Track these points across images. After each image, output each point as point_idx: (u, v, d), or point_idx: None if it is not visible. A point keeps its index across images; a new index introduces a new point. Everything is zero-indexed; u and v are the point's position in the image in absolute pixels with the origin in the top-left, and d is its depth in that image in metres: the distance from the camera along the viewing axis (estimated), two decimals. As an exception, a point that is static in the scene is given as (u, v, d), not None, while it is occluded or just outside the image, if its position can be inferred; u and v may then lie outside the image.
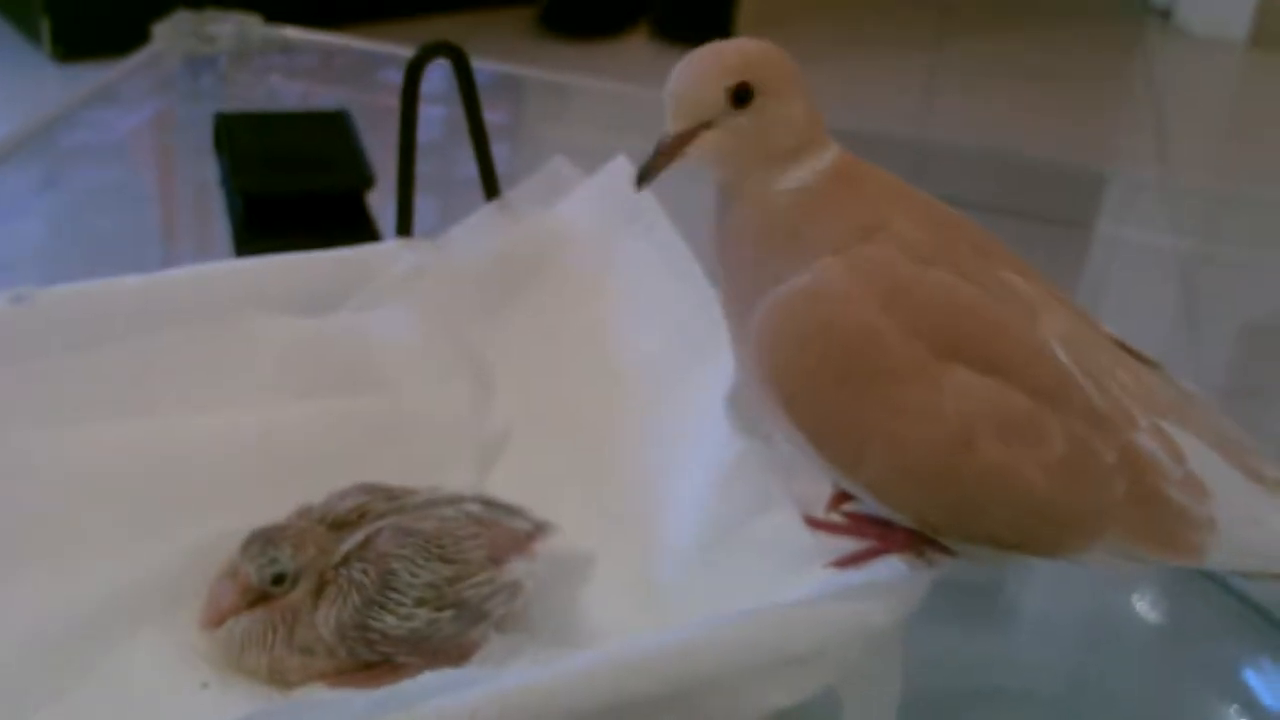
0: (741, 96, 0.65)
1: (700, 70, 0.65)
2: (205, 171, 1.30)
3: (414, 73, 0.90)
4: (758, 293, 0.66)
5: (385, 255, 0.92)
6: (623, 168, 0.93)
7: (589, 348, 0.89)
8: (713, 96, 0.65)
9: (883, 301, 0.63)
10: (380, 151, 1.21)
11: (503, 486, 0.86)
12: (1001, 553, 0.68)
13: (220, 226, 1.21)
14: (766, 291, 0.66)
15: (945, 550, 0.69)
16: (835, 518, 0.72)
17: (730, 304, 0.70)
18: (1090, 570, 0.93)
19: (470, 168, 0.97)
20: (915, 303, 0.64)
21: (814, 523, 0.71)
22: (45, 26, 2.16)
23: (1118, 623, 1.00)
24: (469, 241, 0.94)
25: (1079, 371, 0.66)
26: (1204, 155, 2.22)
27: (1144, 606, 1.01)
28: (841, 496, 0.73)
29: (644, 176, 0.67)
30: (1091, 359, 0.67)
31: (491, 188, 0.95)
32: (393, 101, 0.92)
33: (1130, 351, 0.70)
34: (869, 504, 0.69)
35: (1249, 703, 0.92)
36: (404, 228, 0.93)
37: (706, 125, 0.65)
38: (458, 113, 0.96)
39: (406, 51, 0.92)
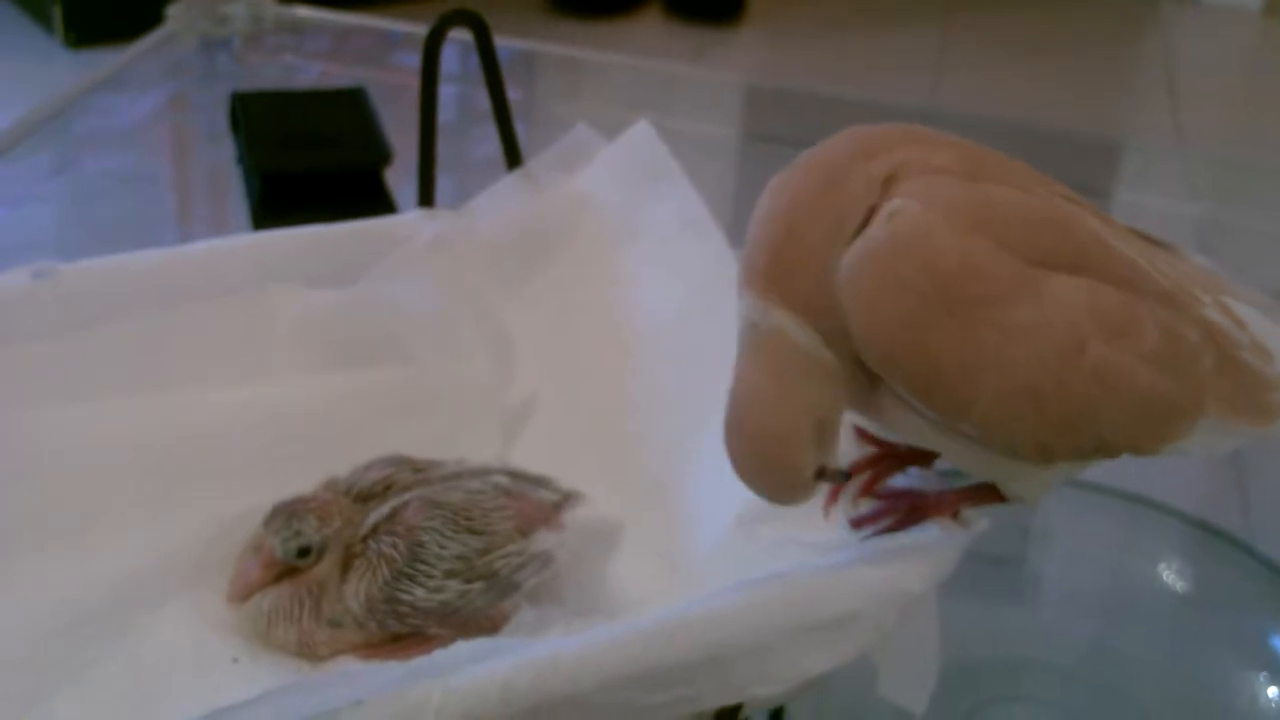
0: None
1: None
2: (220, 153, 1.30)
3: (434, 42, 0.89)
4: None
5: (407, 226, 0.92)
6: (645, 133, 0.92)
7: (613, 315, 0.89)
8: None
9: (968, 226, 0.61)
10: (395, 131, 1.21)
11: (528, 456, 0.86)
12: (1076, 468, 0.68)
13: (236, 209, 1.21)
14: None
15: (998, 498, 0.69)
16: (866, 505, 0.72)
17: None
18: (1115, 536, 0.93)
19: (485, 147, 0.97)
20: (994, 219, 0.62)
21: (857, 522, 0.70)
22: (57, 13, 2.15)
23: (1143, 592, 1.00)
24: (492, 211, 0.93)
25: (1140, 258, 0.65)
26: (1219, 124, 2.21)
27: (1170, 575, 1.01)
28: (872, 482, 0.73)
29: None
30: (1138, 247, 0.66)
31: (514, 157, 0.94)
32: (406, 80, 0.92)
33: (1150, 239, 0.70)
34: (943, 464, 0.69)
35: (1277, 670, 0.92)
36: (426, 198, 0.93)
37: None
38: (471, 92, 0.95)
39: (421, 29, 0.92)
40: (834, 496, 0.72)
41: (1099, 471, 0.69)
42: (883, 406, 0.65)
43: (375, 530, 0.77)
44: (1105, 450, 0.66)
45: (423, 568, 0.75)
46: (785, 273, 0.63)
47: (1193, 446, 0.67)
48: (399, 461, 0.80)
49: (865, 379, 0.64)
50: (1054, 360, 0.62)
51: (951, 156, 0.64)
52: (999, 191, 0.63)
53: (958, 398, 0.62)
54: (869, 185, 0.63)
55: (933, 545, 0.66)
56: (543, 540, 0.78)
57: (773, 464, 0.63)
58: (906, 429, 0.66)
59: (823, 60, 2.37)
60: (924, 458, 0.72)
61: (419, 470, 0.80)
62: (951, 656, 0.69)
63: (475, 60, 0.92)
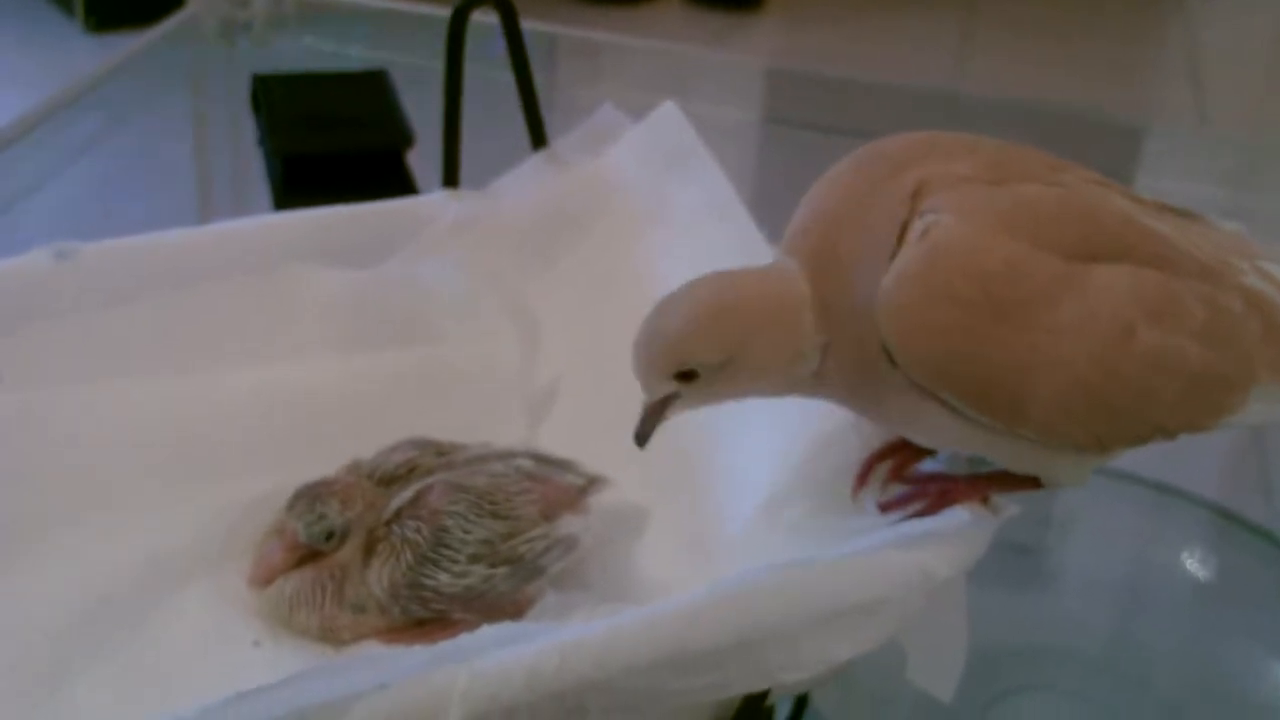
0: (687, 376, 0.65)
1: (643, 360, 0.66)
2: (241, 137, 1.30)
3: (459, 20, 0.89)
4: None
5: (432, 206, 0.92)
6: (671, 113, 0.92)
7: (638, 296, 0.88)
8: (663, 382, 0.65)
9: (1003, 228, 0.62)
10: (416, 115, 1.20)
11: (553, 438, 0.85)
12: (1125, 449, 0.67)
13: (257, 192, 1.21)
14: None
15: (1031, 483, 0.68)
16: (895, 489, 0.71)
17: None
18: (1137, 524, 0.93)
19: (503, 135, 0.96)
20: (1026, 219, 0.62)
21: (885, 506, 0.70)
22: (78, -3, 2.16)
23: (1166, 580, 0.99)
24: (517, 191, 0.93)
25: (1174, 234, 0.65)
26: (1243, 108, 2.20)
27: (1193, 563, 1.00)
28: (900, 466, 0.72)
29: (640, 440, 0.68)
30: (1170, 222, 0.66)
31: (539, 137, 0.94)
32: (428, 64, 0.92)
33: (1175, 210, 0.70)
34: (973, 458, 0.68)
35: (1299, 661, 0.92)
36: (450, 179, 0.92)
37: (674, 395, 0.66)
38: (490, 76, 0.95)
39: (442, 13, 0.91)
40: (862, 480, 0.71)
41: (1122, 458, 0.69)
42: (920, 416, 0.65)
43: (399, 514, 0.76)
44: (1163, 433, 0.66)
45: (447, 552, 0.75)
46: (820, 272, 0.64)
47: (1248, 417, 0.67)
48: (423, 444, 0.80)
49: (891, 395, 0.64)
50: (1105, 351, 0.62)
51: (974, 164, 0.64)
52: (1027, 190, 0.64)
53: (1014, 402, 0.62)
54: (900, 200, 0.63)
55: (961, 530, 0.66)
56: (567, 524, 0.78)
57: (674, 327, 0.65)
58: (951, 437, 0.66)
59: (844, 46, 2.36)
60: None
61: (443, 453, 0.80)
62: (974, 645, 0.69)
63: (492, 46, 0.92)
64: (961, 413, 0.63)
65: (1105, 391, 0.62)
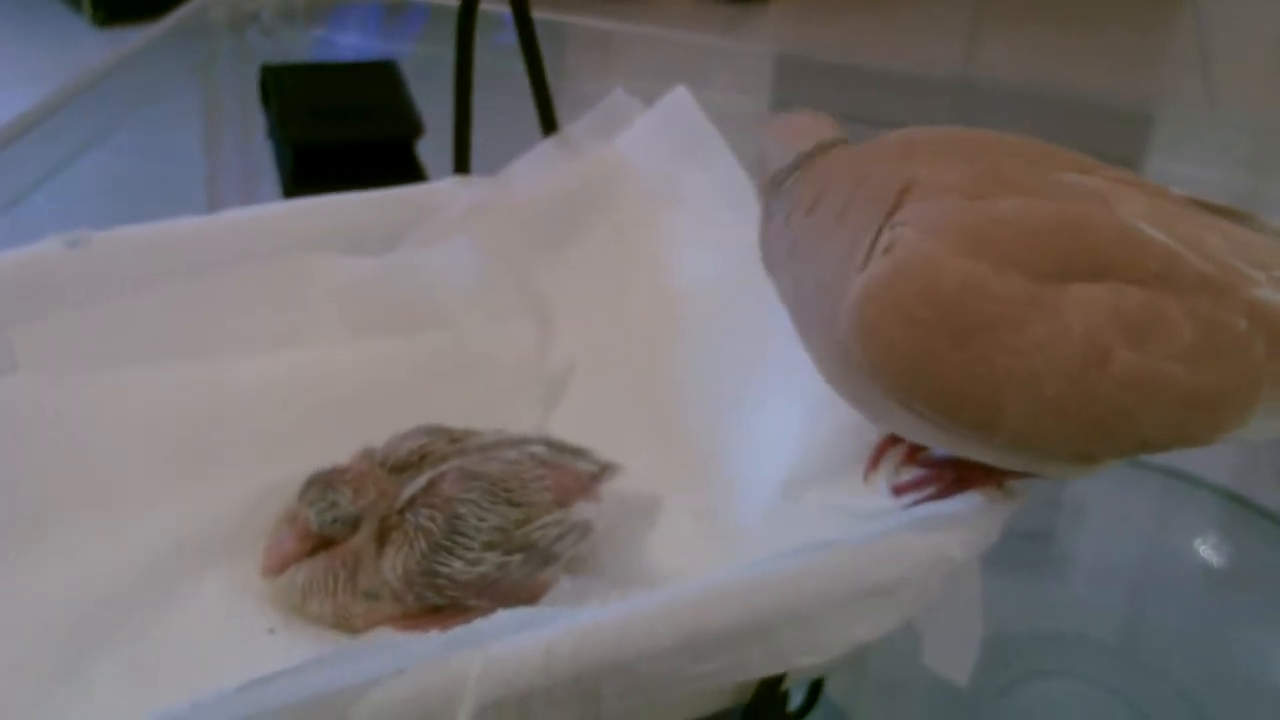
0: None
1: None
2: (252, 127, 1.30)
3: (469, 6, 0.88)
4: (812, 291, 0.66)
5: (443, 193, 0.92)
6: (683, 98, 0.92)
7: (651, 282, 0.89)
8: None
9: (968, 249, 0.61)
10: (425, 105, 1.20)
11: (567, 424, 0.85)
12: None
13: (267, 182, 1.21)
14: (811, 288, 0.65)
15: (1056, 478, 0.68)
16: (909, 473, 0.71)
17: (793, 310, 0.69)
18: (1149, 510, 0.92)
19: (511, 125, 0.96)
20: (998, 238, 0.62)
21: (899, 489, 0.70)
22: (85, -9, 2.15)
23: (1178, 566, 0.99)
24: (528, 177, 0.93)
25: (1178, 245, 0.64)
26: (1252, 93, 2.19)
27: (1205, 550, 1.00)
28: (915, 449, 0.72)
29: None
30: (1182, 229, 0.64)
31: (549, 123, 0.94)
32: (438, 52, 0.91)
33: (1218, 210, 0.68)
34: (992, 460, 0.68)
35: (1312, 648, 0.92)
36: (461, 165, 0.92)
37: None
38: (496, 67, 0.95)
39: (449, 2, 0.91)
40: (875, 462, 0.71)
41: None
42: (905, 422, 0.65)
43: (412, 502, 0.76)
44: (1150, 448, 0.65)
45: (461, 540, 0.75)
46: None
47: (1253, 433, 0.66)
48: (436, 431, 0.80)
49: (865, 391, 0.65)
50: (1077, 373, 0.61)
51: (965, 174, 0.64)
52: (1008, 206, 0.63)
53: (981, 419, 0.62)
54: (888, 195, 0.64)
55: (976, 513, 0.66)
56: (581, 511, 0.77)
57: None
58: (934, 441, 0.67)
59: (853, 33, 2.36)
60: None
61: (455, 440, 0.79)
62: (987, 631, 0.69)
63: (497, 37, 0.92)
64: (934, 421, 0.63)
65: (1079, 411, 0.62)
